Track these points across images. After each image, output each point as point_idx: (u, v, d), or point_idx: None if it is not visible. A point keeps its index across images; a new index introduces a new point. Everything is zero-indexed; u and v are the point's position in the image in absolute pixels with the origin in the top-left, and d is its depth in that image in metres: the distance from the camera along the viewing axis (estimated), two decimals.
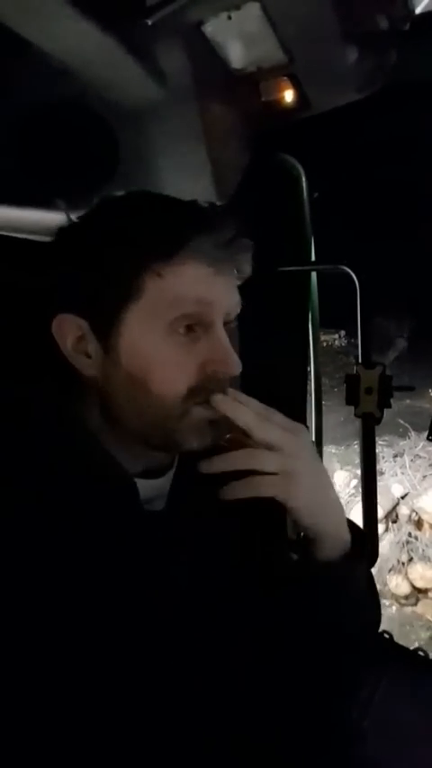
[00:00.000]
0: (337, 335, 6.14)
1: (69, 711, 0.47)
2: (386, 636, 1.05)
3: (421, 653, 1.06)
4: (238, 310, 0.61)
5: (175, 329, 0.55)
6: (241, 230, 0.57)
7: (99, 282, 0.55)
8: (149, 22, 0.75)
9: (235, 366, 0.56)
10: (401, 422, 4.19)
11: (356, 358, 0.98)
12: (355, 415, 0.92)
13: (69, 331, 0.57)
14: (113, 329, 0.55)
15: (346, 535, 0.61)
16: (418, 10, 0.82)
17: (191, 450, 0.58)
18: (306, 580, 0.61)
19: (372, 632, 0.68)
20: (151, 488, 0.59)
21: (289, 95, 0.93)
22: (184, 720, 0.53)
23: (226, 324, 0.59)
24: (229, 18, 0.77)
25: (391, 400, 0.94)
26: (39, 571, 0.49)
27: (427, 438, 0.91)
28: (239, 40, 0.82)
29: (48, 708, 0.47)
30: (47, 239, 1.03)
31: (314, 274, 1.22)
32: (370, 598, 0.66)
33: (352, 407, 0.97)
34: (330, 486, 0.61)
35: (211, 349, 0.56)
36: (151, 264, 0.54)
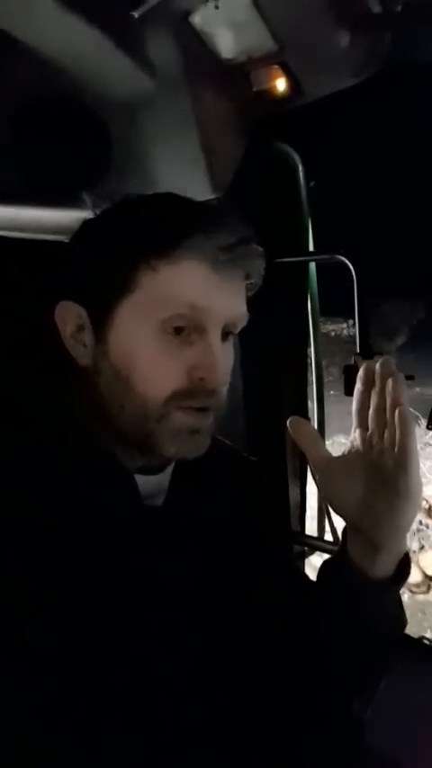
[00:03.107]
0: (345, 324, 6.08)
1: (70, 702, 0.48)
2: None
3: (426, 641, 1.06)
4: (242, 321, 0.58)
5: (166, 329, 0.53)
6: (250, 235, 0.54)
7: (98, 272, 0.55)
8: (136, 15, 0.74)
9: (219, 377, 0.54)
10: (411, 410, 4.14)
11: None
12: None
13: (70, 318, 0.57)
14: (108, 320, 0.55)
15: (402, 551, 0.59)
16: None
17: (168, 457, 0.57)
18: (348, 595, 0.58)
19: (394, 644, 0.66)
20: (151, 484, 0.59)
21: (281, 84, 0.92)
22: (183, 711, 0.54)
23: (227, 334, 0.57)
24: (217, 7, 0.76)
25: None
26: (39, 567, 0.49)
27: (427, 427, 0.90)
28: (228, 29, 0.81)
29: (48, 699, 0.47)
30: (42, 237, 1.03)
31: (313, 264, 1.21)
32: (401, 614, 0.63)
33: None
34: None
35: (200, 355, 0.54)
36: (148, 259, 0.53)
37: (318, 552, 1.27)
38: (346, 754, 0.64)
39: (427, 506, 3.51)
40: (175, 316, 0.53)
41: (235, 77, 0.92)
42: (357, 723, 0.65)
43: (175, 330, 0.53)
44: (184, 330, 0.54)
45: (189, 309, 0.53)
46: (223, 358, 0.56)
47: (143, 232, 0.54)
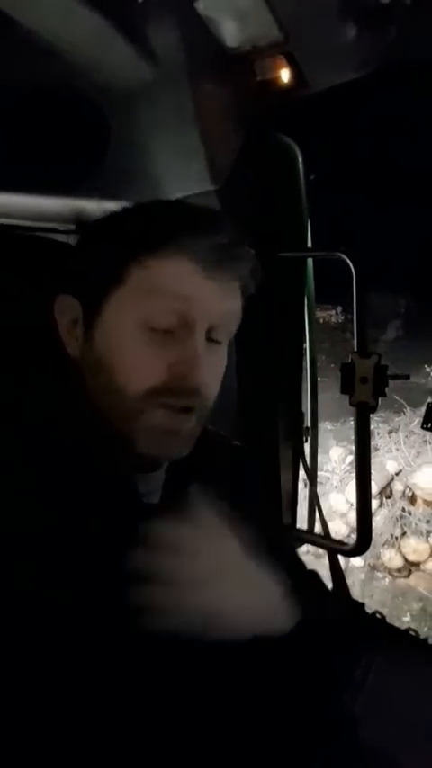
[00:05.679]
0: (333, 311, 6.10)
1: (67, 703, 0.48)
2: (378, 616, 1.08)
3: (412, 632, 1.09)
4: (232, 324, 0.58)
5: (149, 324, 0.54)
6: (242, 238, 0.55)
7: (92, 267, 0.57)
8: (139, 0, 0.72)
9: (197, 376, 0.53)
10: (397, 398, 4.21)
11: (353, 335, 0.97)
12: (351, 404, 0.92)
13: (67, 311, 0.58)
14: (98, 314, 0.56)
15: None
16: None
17: (145, 455, 0.56)
18: None
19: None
20: (147, 481, 0.60)
21: (285, 74, 0.90)
22: (180, 704, 0.55)
23: (214, 335, 0.57)
24: None
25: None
26: (38, 564, 0.49)
27: (422, 426, 0.91)
28: (233, 17, 0.79)
29: (45, 700, 0.48)
30: (37, 225, 1.01)
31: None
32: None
33: None
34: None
35: (182, 352, 0.54)
36: (137, 254, 0.53)
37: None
38: (339, 749, 0.66)
39: (410, 494, 3.58)
40: (160, 310, 0.53)
41: (238, 66, 0.90)
42: (348, 718, 0.67)
43: (158, 325, 0.53)
44: (167, 325, 0.54)
45: (174, 305, 0.53)
46: (207, 358, 0.55)
47: (135, 228, 0.55)
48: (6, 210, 0.98)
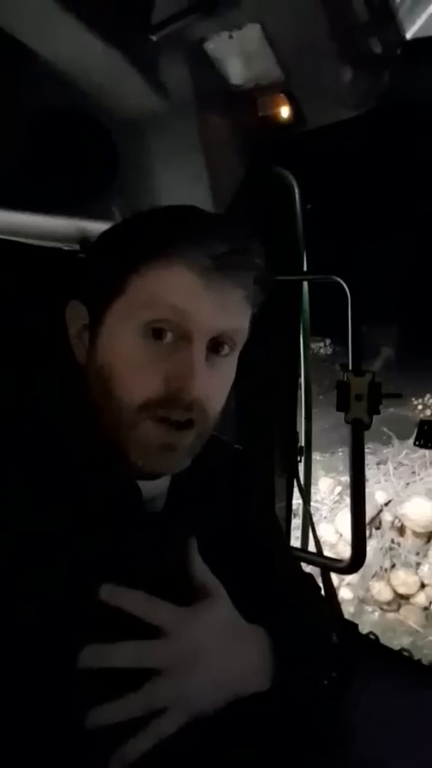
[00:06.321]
0: (322, 343, 6.20)
1: (69, 710, 0.47)
2: (372, 637, 1.08)
3: (405, 653, 1.08)
4: (237, 336, 0.56)
5: (148, 334, 0.53)
6: (245, 247, 0.54)
7: (97, 275, 0.57)
8: (155, 38, 0.77)
9: (193, 390, 0.52)
10: (385, 430, 4.25)
11: (342, 366, 1.01)
12: (345, 421, 0.95)
13: (77, 317, 0.58)
14: (101, 322, 0.56)
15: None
16: (408, 35, 0.86)
17: (138, 469, 0.55)
18: None
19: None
20: (151, 489, 0.59)
21: (285, 111, 0.96)
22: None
23: (218, 346, 0.55)
24: (230, 37, 0.80)
25: None
26: (36, 572, 0.49)
27: (414, 443, 0.93)
28: (239, 57, 0.85)
29: (47, 708, 0.47)
30: (45, 244, 1.04)
31: (305, 284, 1.25)
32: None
33: (337, 415, 1.00)
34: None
35: (179, 363, 0.52)
36: (136, 264, 0.53)
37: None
38: (332, 764, 0.65)
39: (399, 525, 3.57)
40: (157, 320, 0.52)
41: (241, 102, 0.96)
42: (341, 733, 0.67)
43: (155, 333, 0.52)
44: (165, 334, 0.53)
45: (170, 313, 0.52)
46: (208, 371, 0.53)
47: (134, 236, 0.55)
48: (14, 229, 1.01)
